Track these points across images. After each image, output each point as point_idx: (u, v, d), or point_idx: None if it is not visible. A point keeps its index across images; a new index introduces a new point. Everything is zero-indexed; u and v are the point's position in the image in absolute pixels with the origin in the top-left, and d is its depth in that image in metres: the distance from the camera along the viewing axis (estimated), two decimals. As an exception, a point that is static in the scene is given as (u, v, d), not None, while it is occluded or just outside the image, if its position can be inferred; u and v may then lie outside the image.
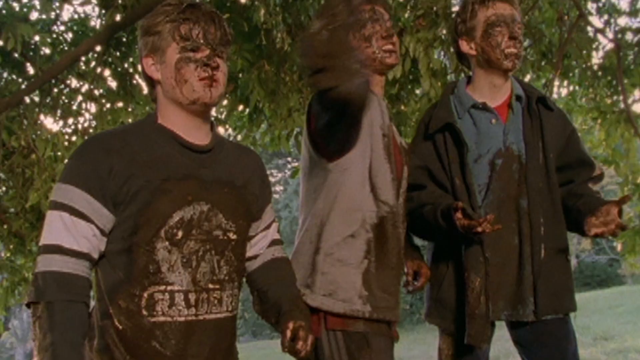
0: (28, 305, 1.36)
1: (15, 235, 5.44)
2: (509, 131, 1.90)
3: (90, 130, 4.92)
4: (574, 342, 1.90)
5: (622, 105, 5.02)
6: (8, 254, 5.78)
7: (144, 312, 1.38)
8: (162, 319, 1.38)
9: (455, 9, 4.18)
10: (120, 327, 1.38)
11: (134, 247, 1.38)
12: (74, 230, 1.36)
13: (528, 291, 1.83)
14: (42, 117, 4.94)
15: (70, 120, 5.04)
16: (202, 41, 1.43)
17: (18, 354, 22.60)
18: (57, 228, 1.36)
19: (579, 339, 1.93)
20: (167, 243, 1.39)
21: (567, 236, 1.95)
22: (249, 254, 1.63)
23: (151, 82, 1.50)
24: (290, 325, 1.49)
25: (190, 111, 1.47)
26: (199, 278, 1.42)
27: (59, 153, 4.87)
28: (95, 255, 1.40)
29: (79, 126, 5.04)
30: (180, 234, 1.40)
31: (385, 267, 1.74)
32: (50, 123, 5.16)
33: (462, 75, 4.46)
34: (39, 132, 4.81)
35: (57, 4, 4.59)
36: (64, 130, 4.98)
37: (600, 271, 22.04)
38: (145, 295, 1.38)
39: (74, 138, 4.98)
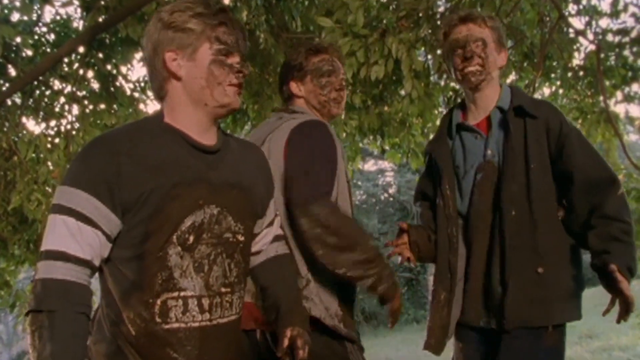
0: (27, 314, 1.29)
1: (-3, 238, 5.39)
2: (489, 144, 1.93)
3: (73, 132, 4.89)
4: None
5: (602, 105, 5.07)
6: (-10, 258, 5.73)
7: (158, 319, 1.35)
8: (176, 325, 1.36)
9: (440, 9, 4.20)
10: (134, 333, 1.35)
11: (146, 254, 1.35)
12: (79, 236, 1.30)
13: (496, 301, 1.84)
14: (24, 119, 4.89)
15: (53, 122, 5.00)
16: (235, 47, 1.43)
17: (3, 358, 22.37)
18: (61, 233, 1.30)
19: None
20: (179, 249, 1.36)
21: (560, 246, 1.91)
22: (253, 249, 1.62)
23: (166, 77, 1.43)
24: (288, 332, 1.49)
25: (208, 112, 1.44)
26: (211, 282, 1.41)
27: (41, 155, 4.84)
28: (97, 263, 1.35)
29: (62, 128, 5.00)
30: (191, 238, 1.38)
31: None
32: (32, 125, 5.14)
33: (445, 76, 4.49)
34: (20, 134, 4.77)
35: (39, 5, 4.54)
36: (46, 132, 4.94)
37: (585, 270, 22.17)
38: (158, 302, 1.35)
39: (56, 140, 4.95)
